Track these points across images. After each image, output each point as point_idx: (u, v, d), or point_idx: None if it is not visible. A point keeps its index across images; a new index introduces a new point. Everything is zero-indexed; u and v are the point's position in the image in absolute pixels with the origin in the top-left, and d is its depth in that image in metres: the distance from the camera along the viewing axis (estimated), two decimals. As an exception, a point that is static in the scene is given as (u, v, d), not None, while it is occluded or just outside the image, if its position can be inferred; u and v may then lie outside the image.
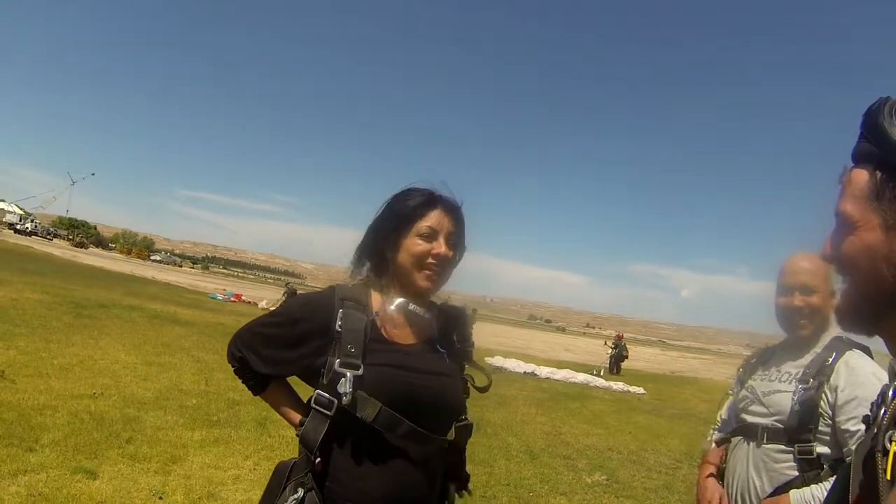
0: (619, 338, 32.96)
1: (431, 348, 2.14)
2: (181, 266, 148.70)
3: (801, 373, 2.62)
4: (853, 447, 2.22)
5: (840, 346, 2.61)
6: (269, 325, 2.16)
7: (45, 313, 14.17)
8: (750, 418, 2.74)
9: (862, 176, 1.06)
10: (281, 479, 2.02)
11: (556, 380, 21.61)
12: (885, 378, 2.38)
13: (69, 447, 5.94)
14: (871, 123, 1.05)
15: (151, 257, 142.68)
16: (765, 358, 2.93)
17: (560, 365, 26.29)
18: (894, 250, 1.02)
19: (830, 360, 2.56)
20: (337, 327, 2.01)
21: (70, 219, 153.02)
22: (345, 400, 1.93)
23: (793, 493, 2.44)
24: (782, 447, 2.56)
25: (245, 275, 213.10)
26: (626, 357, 31.79)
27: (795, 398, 2.55)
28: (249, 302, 41.81)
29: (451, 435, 2.14)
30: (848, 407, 2.43)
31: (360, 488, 1.95)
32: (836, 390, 2.48)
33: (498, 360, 23.66)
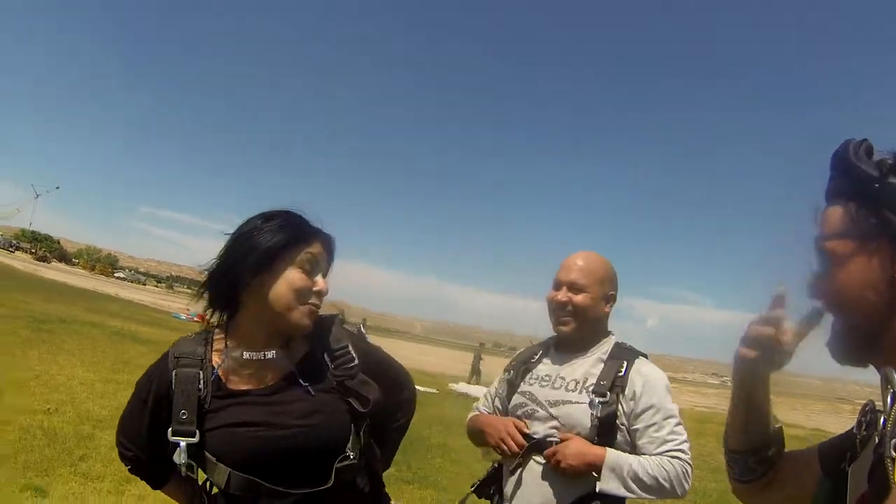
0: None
1: (287, 385, 1.86)
2: (145, 284, 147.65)
3: (591, 384, 2.52)
4: (644, 441, 2.42)
5: (627, 354, 2.59)
6: (130, 413, 1.97)
7: (1, 327, 13.91)
8: (539, 430, 2.56)
9: (836, 212, 1.15)
10: None
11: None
12: (667, 381, 2.56)
13: (19, 463, 5.78)
14: (841, 161, 1.15)
15: (115, 274, 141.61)
16: (533, 359, 2.80)
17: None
18: (877, 276, 1.08)
19: (623, 370, 2.50)
20: (172, 391, 1.81)
21: (33, 232, 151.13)
22: (183, 472, 1.78)
23: (608, 450, 2.38)
24: None
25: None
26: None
27: (595, 412, 2.45)
28: (213, 322, 41.44)
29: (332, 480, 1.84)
30: (645, 415, 2.44)
31: None
32: (633, 400, 2.46)
33: (462, 387, 23.60)
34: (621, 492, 2.33)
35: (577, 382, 2.57)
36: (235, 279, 1.82)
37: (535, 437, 2.55)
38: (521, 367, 2.79)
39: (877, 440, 1.04)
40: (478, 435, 2.80)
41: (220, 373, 1.84)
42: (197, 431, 1.76)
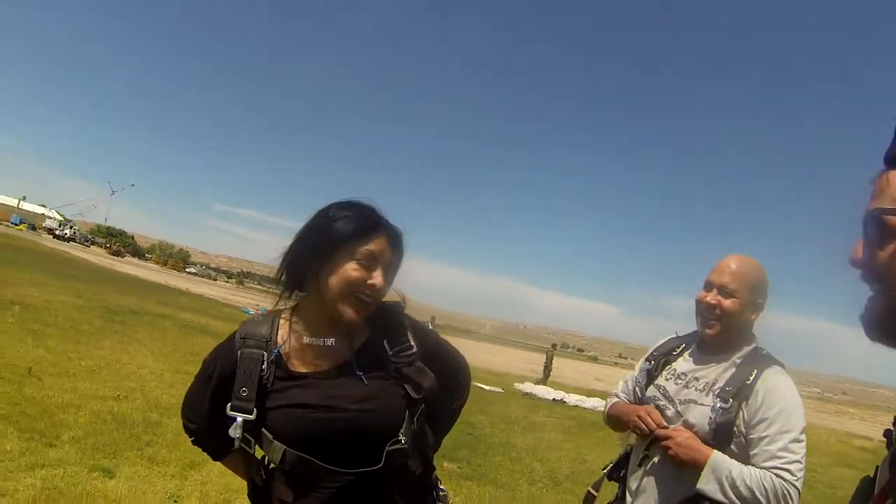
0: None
1: (345, 372, 1.93)
2: (216, 280, 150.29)
3: (719, 388, 2.54)
4: (755, 452, 2.38)
5: (760, 362, 2.57)
6: (195, 389, 2.11)
7: (76, 316, 14.35)
8: (668, 423, 2.62)
9: None
10: None
11: (586, 408, 21.35)
12: (796, 394, 2.49)
13: (88, 445, 5.94)
14: None
15: (187, 269, 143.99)
16: (674, 352, 2.85)
17: (590, 394, 26.06)
18: None
19: (751, 378, 2.50)
20: (236, 370, 1.93)
21: (108, 227, 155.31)
22: (235, 444, 1.90)
23: (715, 452, 2.41)
24: None
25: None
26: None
27: (713, 416, 2.48)
28: (282, 318, 41.94)
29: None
30: (760, 426, 2.41)
31: None
32: (753, 410, 2.45)
33: (527, 387, 23.51)
34: (717, 496, 2.34)
35: (708, 385, 2.60)
36: (301, 265, 1.94)
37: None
38: (662, 360, 2.85)
39: None
40: (615, 419, 2.94)
41: (282, 355, 1.93)
42: (255, 409, 1.86)
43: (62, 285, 20.79)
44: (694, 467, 2.40)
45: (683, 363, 2.77)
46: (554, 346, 33.97)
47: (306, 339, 1.95)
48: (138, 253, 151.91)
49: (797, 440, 2.39)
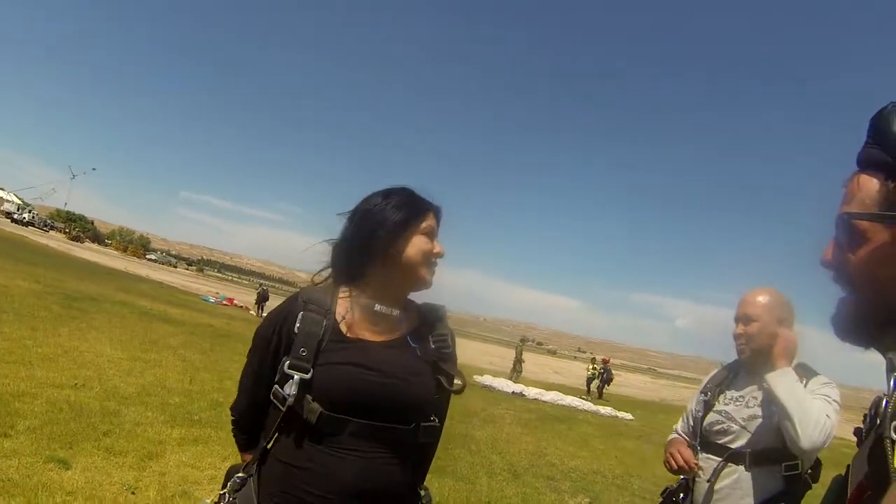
0: (605, 362, 33.06)
1: (400, 344, 2.11)
2: (176, 267, 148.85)
3: None
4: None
5: (804, 372, 2.91)
6: (253, 360, 2.17)
7: (34, 302, 14.15)
8: (732, 443, 2.96)
9: (871, 184, 1.00)
10: (230, 474, 2.12)
11: (544, 401, 21.56)
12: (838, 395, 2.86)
13: (44, 435, 5.83)
14: (883, 129, 0.99)
15: (147, 256, 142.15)
16: (725, 382, 3.19)
17: (549, 387, 26.22)
18: None
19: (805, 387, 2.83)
20: (295, 330, 2.02)
21: (68, 212, 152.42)
22: (288, 401, 1.94)
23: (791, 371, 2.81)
24: (768, 468, 2.84)
25: (240, 280, 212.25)
26: (611, 381, 32.04)
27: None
28: (241, 307, 41.90)
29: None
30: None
31: (297, 479, 1.95)
32: None
33: (487, 380, 23.62)
34: (781, 393, 2.71)
35: (766, 400, 2.90)
36: (368, 252, 2.09)
37: (731, 447, 2.95)
38: (716, 390, 3.18)
39: (878, 421, 1.01)
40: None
41: (341, 322, 2.06)
42: (311, 369, 1.96)
43: (20, 270, 20.48)
44: (770, 356, 2.85)
45: (736, 388, 3.11)
46: (523, 340, 34.15)
47: (377, 307, 2.09)
48: (98, 238, 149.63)
49: (837, 411, 2.77)
